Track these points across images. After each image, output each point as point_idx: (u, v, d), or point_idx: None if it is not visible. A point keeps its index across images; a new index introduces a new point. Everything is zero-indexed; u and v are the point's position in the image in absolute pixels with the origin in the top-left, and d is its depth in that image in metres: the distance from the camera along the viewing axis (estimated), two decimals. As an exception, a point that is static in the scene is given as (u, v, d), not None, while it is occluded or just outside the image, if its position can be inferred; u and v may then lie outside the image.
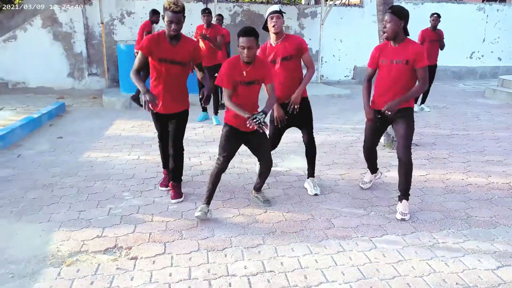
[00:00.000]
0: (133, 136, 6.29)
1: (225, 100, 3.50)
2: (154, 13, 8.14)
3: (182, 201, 3.97)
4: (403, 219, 3.64)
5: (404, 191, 3.77)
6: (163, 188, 4.23)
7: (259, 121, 3.26)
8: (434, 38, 8.30)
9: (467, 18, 12.89)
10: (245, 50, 3.33)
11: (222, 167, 3.64)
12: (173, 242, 3.20)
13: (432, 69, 7.96)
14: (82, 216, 3.66)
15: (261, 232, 3.39)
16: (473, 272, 2.86)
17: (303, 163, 5.08)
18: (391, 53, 3.65)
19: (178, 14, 3.45)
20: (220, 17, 8.37)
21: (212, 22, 7.25)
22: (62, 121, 7.37)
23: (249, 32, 3.31)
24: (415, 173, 4.80)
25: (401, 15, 3.59)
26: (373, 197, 4.14)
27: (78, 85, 10.32)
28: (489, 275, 2.82)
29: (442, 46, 8.42)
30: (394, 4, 6.23)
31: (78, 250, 3.10)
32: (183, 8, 3.47)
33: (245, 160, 5.20)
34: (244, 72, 3.45)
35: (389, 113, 3.62)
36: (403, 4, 12.46)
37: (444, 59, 12.94)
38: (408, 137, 3.75)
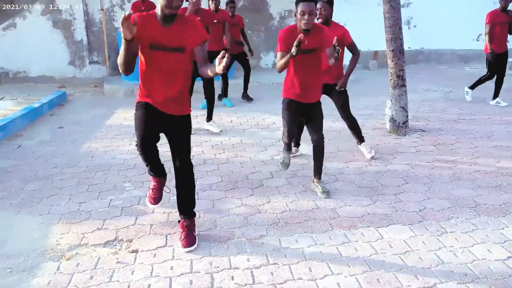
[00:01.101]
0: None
1: (278, 63, 3.49)
2: None
3: (196, 248, 2.99)
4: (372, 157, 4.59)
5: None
6: (152, 205, 3.36)
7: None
8: (505, 21, 7.22)
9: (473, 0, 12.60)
10: (306, 16, 3.25)
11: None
12: (175, 234, 3.13)
13: (503, 57, 7.31)
14: (83, 208, 3.60)
15: (264, 223, 3.32)
16: (482, 262, 2.78)
17: (307, 150, 4.99)
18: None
19: None
20: (233, 4, 7.78)
21: (221, 9, 7.07)
22: (63, 110, 7.30)
23: None
24: (422, 159, 4.71)
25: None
26: (379, 185, 4.05)
27: (79, 74, 10.21)
28: (500, 266, 2.74)
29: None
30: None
31: (78, 243, 3.04)
32: None
33: (248, 149, 5.11)
34: (306, 41, 3.30)
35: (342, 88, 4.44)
36: (408, -14, 12.20)
37: (450, 42, 12.74)
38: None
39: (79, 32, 10.05)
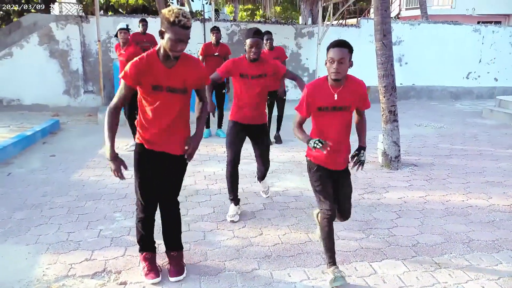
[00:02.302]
0: (127, 155, 6.15)
1: (295, 128, 2.94)
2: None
3: (185, 277, 2.95)
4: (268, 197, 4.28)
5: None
6: (153, 280, 2.88)
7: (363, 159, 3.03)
8: None
9: (463, 39, 12.97)
10: (335, 64, 2.72)
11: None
12: (164, 266, 3.06)
13: None
14: (71, 237, 3.53)
15: (256, 256, 3.26)
16: (477, 299, 2.74)
17: (300, 183, 4.99)
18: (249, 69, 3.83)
19: (188, 30, 2.54)
20: (217, 30, 7.52)
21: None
22: (56, 138, 7.26)
23: (343, 44, 2.75)
24: (414, 194, 4.71)
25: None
26: (372, 219, 4.02)
27: (73, 103, 10.22)
28: (494, 303, 2.70)
29: None
30: (392, 24, 6.24)
31: (65, 274, 2.97)
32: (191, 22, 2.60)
33: (240, 180, 5.06)
34: (335, 95, 2.84)
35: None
36: (399, 25, 12.58)
37: (441, 79, 13.03)
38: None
39: (75, 62, 10.14)
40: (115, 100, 2.74)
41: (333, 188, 2.99)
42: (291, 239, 3.57)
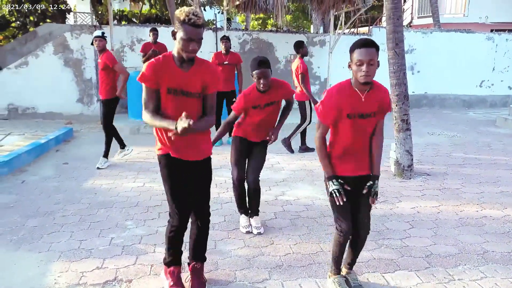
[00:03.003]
0: (139, 163, 6.22)
1: (319, 145, 2.72)
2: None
3: None
4: (259, 233, 3.82)
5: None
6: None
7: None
8: None
9: (476, 47, 12.86)
10: (364, 66, 2.48)
11: None
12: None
13: None
14: (83, 245, 3.55)
15: (267, 266, 3.24)
16: (492, 313, 2.69)
17: (311, 192, 4.96)
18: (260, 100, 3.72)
19: (200, 29, 2.46)
20: (227, 39, 7.58)
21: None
22: (69, 146, 7.34)
23: (370, 43, 2.52)
24: (427, 204, 4.66)
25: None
26: (385, 229, 3.98)
27: (86, 111, 10.35)
28: (510, 317, 2.64)
29: None
30: (404, 32, 6.21)
31: (77, 282, 2.98)
32: (204, 21, 2.51)
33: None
34: (362, 99, 2.64)
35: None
36: (411, 34, 12.53)
37: (454, 87, 12.92)
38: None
39: (89, 71, 10.28)
40: (147, 107, 2.58)
41: (352, 198, 2.78)
42: (302, 249, 3.55)
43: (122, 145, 6.40)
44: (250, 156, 3.93)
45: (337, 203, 2.61)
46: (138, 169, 5.89)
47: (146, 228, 3.91)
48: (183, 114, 2.29)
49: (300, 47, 6.96)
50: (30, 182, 5.26)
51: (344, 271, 3.02)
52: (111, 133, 6.17)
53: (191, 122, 2.23)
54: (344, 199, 2.62)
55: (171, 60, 2.59)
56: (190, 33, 2.43)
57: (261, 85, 3.57)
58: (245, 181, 3.89)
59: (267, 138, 3.86)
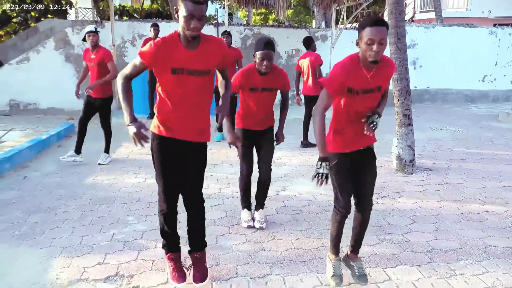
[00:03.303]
0: (141, 158, 6.22)
1: (317, 119, 2.65)
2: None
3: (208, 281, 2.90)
4: (261, 227, 3.80)
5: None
6: (180, 284, 2.86)
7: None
8: None
9: (479, 42, 12.80)
10: (375, 45, 2.45)
11: None
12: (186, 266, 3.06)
13: None
14: (85, 241, 3.55)
15: (268, 261, 3.24)
16: (494, 307, 2.68)
17: (313, 187, 4.96)
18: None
19: (201, 6, 2.39)
20: (228, 35, 7.54)
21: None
22: (70, 142, 7.32)
23: (381, 22, 2.49)
24: (429, 199, 4.65)
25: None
26: (386, 224, 3.97)
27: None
28: (512, 312, 2.64)
29: None
30: (406, 27, 6.18)
31: (78, 278, 2.98)
32: None
33: (253, 184, 5.06)
34: (369, 77, 2.62)
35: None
36: (414, 28, 12.47)
37: (456, 82, 12.87)
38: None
39: (90, 67, 10.25)
40: (126, 71, 2.64)
41: (355, 174, 2.84)
42: (304, 244, 3.54)
43: (79, 150, 5.94)
44: (259, 148, 3.88)
45: (317, 185, 2.55)
46: (140, 164, 5.89)
47: (148, 224, 3.92)
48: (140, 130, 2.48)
49: (311, 42, 7.17)
50: (32, 178, 5.27)
51: (350, 255, 3.03)
52: (110, 129, 6.17)
53: (138, 143, 2.47)
54: (323, 186, 2.56)
55: (177, 40, 2.55)
56: (190, 10, 2.37)
57: (263, 67, 3.48)
58: (253, 174, 3.87)
59: (276, 143, 3.89)
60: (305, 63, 6.96)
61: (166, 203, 2.83)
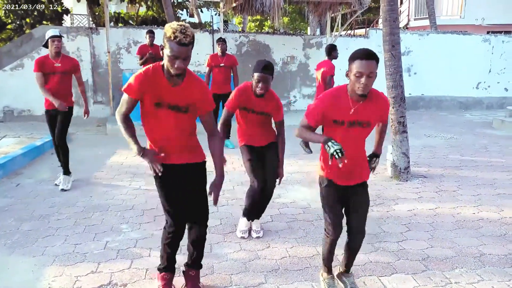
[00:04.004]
0: (135, 165, 6.19)
1: (300, 130, 2.71)
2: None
3: None
4: (258, 237, 3.78)
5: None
6: None
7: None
8: None
9: (472, 49, 12.90)
10: (363, 78, 2.45)
11: None
12: None
13: None
14: (78, 249, 3.52)
15: (263, 270, 3.22)
16: (489, 316, 2.67)
17: (308, 194, 4.95)
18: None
19: (186, 48, 2.37)
20: (223, 42, 7.62)
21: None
22: (64, 149, 7.29)
23: (371, 55, 2.49)
24: (424, 206, 4.65)
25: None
26: (381, 232, 3.96)
27: (83, 113, 10.30)
28: (507, 320, 2.63)
29: None
30: (400, 34, 6.22)
31: (71, 287, 2.95)
32: (193, 38, 2.40)
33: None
34: (352, 110, 2.59)
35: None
36: (408, 36, 12.56)
37: (450, 89, 12.94)
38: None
39: (85, 73, 10.23)
40: (123, 109, 2.62)
41: (346, 203, 2.80)
42: (299, 253, 3.53)
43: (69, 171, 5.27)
44: (264, 162, 3.78)
45: (339, 165, 2.42)
46: (134, 171, 5.86)
47: (142, 232, 3.89)
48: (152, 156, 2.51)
49: (332, 51, 6.95)
50: (25, 185, 5.22)
51: (342, 269, 3.01)
52: (66, 145, 5.35)
53: (156, 169, 2.46)
54: (345, 160, 2.43)
55: (160, 73, 2.54)
56: (175, 51, 2.36)
57: (258, 88, 3.49)
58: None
59: (277, 180, 3.79)
60: (319, 74, 6.95)
61: (175, 229, 2.79)
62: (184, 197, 2.76)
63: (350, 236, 2.84)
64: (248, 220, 3.89)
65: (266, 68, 3.46)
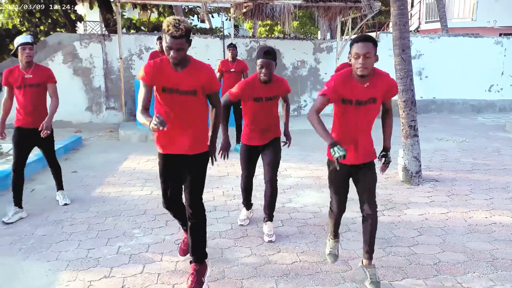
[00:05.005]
0: (147, 170, 6.26)
1: (313, 116, 2.80)
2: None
3: None
4: (270, 241, 3.82)
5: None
6: (182, 257, 3.46)
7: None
8: None
9: (484, 52, 12.79)
10: (360, 59, 2.67)
11: None
12: (182, 284, 3.06)
13: None
14: (91, 254, 3.57)
15: (274, 275, 3.24)
16: (502, 322, 2.65)
17: (318, 199, 4.95)
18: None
19: (178, 40, 2.64)
20: (233, 47, 7.66)
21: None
22: (77, 154, 7.40)
23: (368, 38, 2.72)
24: (436, 210, 4.62)
25: None
26: (392, 237, 3.95)
27: (95, 119, 10.46)
28: (520, 326, 2.61)
29: None
30: (411, 38, 6.20)
31: (84, 291, 3.00)
32: (187, 31, 2.65)
33: (258, 196, 5.07)
34: (362, 88, 2.82)
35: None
36: (419, 39, 12.49)
37: (462, 92, 12.83)
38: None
39: (98, 80, 10.40)
40: (140, 104, 2.78)
41: (355, 181, 3.06)
42: (310, 257, 3.53)
43: (20, 203, 4.51)
44: (264, 155, 3.92)
45: (338, 168, 2.69)
46: (146, 177, 5.92)
47: (154, 237, 3.93)
48: (157, 116, 2.43)
49: None
50: (39, 191, 5.31)
51: (364, 262, 3.10)
52: (57, 163, 4.98)
53: (160, 127, 2.38)
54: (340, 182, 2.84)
55: (167, 62, 2.84)
56: (168, 42, 2.66)
57: (262, 74, 3.60)
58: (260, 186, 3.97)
59: (284, 144, 4.05)
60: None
61: (168, 206, 3.21)
62: (179, 183, 3.07)
63: (368, 216, 3.00)
64: (247, 209, 4.26)
65: (268, 53, 3.58)
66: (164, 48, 2.70)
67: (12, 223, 4.25)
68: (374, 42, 2.70)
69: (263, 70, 3.59)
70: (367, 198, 3.00)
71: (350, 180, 3.11)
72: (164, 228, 4.13)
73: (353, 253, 3.60)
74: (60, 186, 5.00)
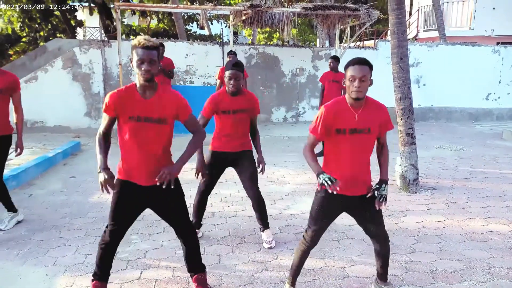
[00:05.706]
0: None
1: (307, 151, 2.76)
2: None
3: None
4: (270, 247, 3.80)
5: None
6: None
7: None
8: None
9: (482, 60, 12.87)
10: (356, 82, 2.58)
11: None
12: (179, 290, 3.07)
13: None
14: (88, 260, 3.57)
15: (271, 281, 3.24)
16: (498, 330, 2.66)
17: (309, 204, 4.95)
18: None
19: (151, 51, 2.58)
20: (233, 54, 7.81)
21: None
22: (76, 160, 7.41)
23: (364, 61, 2.63)
24: (433, 218, 4.64)
25: None
26: (390, 244, 3.95)
27: (94, 124, 10.47)
28: (516, 334, 2.62)
29: None
30: (409, 46, 6.25)
31: (81, 297, 3.00)
32: (158, 46, 2.62)
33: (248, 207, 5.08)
34: (356, 116, 2.69)
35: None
36: (417, 47, 12.58)
37: (460, 100, 12.90)
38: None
39: (97, 85, 10.43)
40: (102, 128, 2.76)
41: (357, 215, 2.90)
42: (307, 264, 3.52)
43: (13, 208, 4.33)
44: (240, 170, 3.93)
45: (330, 191, 2.50)
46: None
47: (151, 243, 3.93)
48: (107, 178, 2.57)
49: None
50: (38, 196, 5.31)
51: (378, 280, 3.06)
52: (2, 181, 4.23)
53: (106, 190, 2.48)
54: (338, 188, 2.51)
55: (133, 90, 2.71)
56: (140, 55, 2.56)
57: (231, 85, 3.65)
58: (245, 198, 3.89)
59: (259, 171, 3.94)
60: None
61: (110, 238, 2.88)
62: (133, 215, 2.92)
63: (378, 244, 2.94)
64: (197, 228, 3.98)
65: (237, 65, 3.66)
66: (135, 64, 2.59)
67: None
68: (370, 66, 2.63)
69: (231, 82, 3.65)
70: (380, 233, 2.92)
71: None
72: (161, 234, 4.14)
73: (350, 261, 3.60)
74: (10, 207, 4.33)
